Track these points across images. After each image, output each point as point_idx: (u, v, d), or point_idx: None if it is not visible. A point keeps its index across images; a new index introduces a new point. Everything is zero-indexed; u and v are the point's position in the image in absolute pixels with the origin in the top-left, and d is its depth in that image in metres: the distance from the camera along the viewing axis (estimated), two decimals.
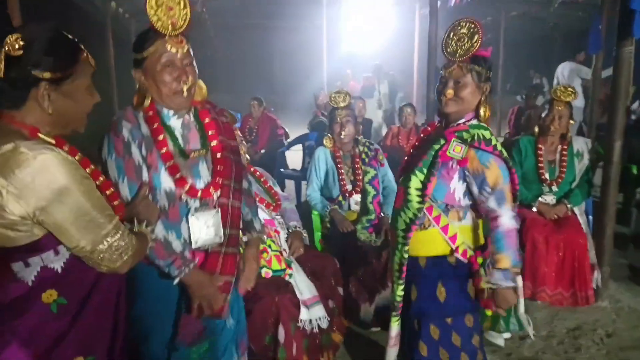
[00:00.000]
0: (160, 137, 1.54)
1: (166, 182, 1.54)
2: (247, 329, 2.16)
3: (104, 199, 1.27)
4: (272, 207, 2.60)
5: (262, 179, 2.72)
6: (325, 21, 9.88)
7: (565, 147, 3.21)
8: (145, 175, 1.52)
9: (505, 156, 1.77)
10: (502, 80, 10.94)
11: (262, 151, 5.91)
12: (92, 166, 1.32)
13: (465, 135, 1.75)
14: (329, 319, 2.39)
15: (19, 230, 1.14)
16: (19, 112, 1.17)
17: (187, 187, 1.55)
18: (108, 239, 1.21)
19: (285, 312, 2.25)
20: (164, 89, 1.52)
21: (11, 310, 1.18)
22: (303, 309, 2.33)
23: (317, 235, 3.08)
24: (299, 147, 5.82)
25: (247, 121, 6.26)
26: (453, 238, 1.81)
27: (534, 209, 3.17)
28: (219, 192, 1.62)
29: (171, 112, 1.59)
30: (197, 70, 1.60)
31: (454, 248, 1.81)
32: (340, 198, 3.06)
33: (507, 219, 1.76)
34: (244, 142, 5.57)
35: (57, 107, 1.19)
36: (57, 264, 1.21)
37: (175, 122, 1.60)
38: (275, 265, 2.37)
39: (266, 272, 2.33)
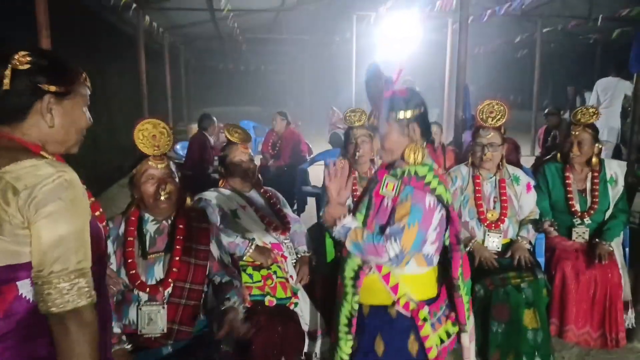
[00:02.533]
0: (130, 239, 1.91)
1: (123, 275, 1.88)
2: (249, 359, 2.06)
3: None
4: (280, 231, 2.48)
5: (272, 200, 2.61)
6: (355, 35, 9.80)
7: (596, 173, 2.95)
8: (113, 267, 1.89)
9: (439, 195, 1.65)
10: (537, 98, 10.57)
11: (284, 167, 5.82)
12: (92, 198, 1.35)
13: (398, 172, 1.68)
14: None
15: (24, 245, 1.11)
16: (18, 127, 1.18)
17: (137, 282, 1.86)
18: (69, 277, 1.11)
19: (288, 344, 2.13)
20: (146, 197, 1.94)
21: (17, 331, 1.14)
22: (308, 341, 2.20)
23: (330, 259, 2.93)
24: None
25: (271, 135, 6.21)
26: (394, 288, 1.68)
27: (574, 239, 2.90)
28: (169, 291, 1.88)
29: (151, 217, 1.98)
30: (177, 184, 1.99)
31: (394, 299, 1.66)
32: None
33: (385, 256, 1.62)
34: (266, 155, 5.53)
35: (57, 122, 1.21)
36: None
37: (151, 227, 1.97)
38: (280, 293, 2.25)
39: (270, 300, 2.22)
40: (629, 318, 2.86)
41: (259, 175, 2.64)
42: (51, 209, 1.08)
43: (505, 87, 16.57)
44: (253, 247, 2.27)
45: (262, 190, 2.62)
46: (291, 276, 2.33)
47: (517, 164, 4.44)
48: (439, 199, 1.65)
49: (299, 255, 2.50)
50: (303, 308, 2.26)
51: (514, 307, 2.55)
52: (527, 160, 6.57)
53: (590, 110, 2.92)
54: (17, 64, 1.15)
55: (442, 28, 10.36)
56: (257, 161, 5.42)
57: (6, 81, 1.14)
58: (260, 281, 2.25)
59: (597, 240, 2.83)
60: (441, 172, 1.73)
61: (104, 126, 7.10)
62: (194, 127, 10.53)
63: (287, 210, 2.67)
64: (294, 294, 2.27)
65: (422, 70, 12.18)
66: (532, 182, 2.93)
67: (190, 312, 1.90)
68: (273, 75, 18.23)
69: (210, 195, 2.43)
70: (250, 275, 2.26)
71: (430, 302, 1.74)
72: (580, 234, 2.93)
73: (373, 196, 1.69)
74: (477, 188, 2.85)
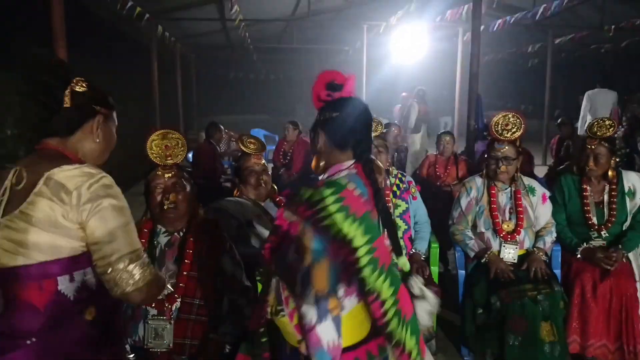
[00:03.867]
0: None
1: None
2: None
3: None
4: None
5: None
6: (365, 45, 9.85)
7: (614, 186, 2.91)
8: None
9: (328, 225, 1.29)
10: (548, 107, 10.53)
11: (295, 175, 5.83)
12: None
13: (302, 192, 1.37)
14: None
15: (70, 238, 1.23)
16: (64, 140, 1.34)
17: None
18: (132, 260, 1.27)
19: None
20: (153, 207, 1.94)
21: (54, 326, 1.25)
22: None
23: None
24: None
25: (282, 144, 6.23)
26: (297, 327, 1.40)
27: (579, 255, 2.83)
28: (177, 305, 1.88)
29: (162, 229, 1.97)
30: (188, 194, 1.97)
31: (298, 340, 1.41)
32: None
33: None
34: (277, 164, 5.53)
35: (101, 139, 1.40)
36: (95, 280, 1.30)
37: (162, 239, 1.96)
38: None
39: None
40: None
41: (274, 185, 2.64)
42: (101, 206, 1.23)
43: (516, 96, 16.49)
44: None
45: (277, 200, 2.63)
46: None
47: (531, 175, 4.42)
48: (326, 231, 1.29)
49: None
50: None
51: (530, 320, 2.52)
52: (540, 170, 6.54)
53: (607, 122, 2.88)
54: (76, 86, 1.32)
55: (452, 37, 10.38)
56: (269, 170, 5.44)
57: (67, 99, 1.30)
58: None
59: (614, 247, 2.80)
60: (357, 193, 1.36)
61: (117, 135, 7.15)
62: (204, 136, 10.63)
63: None
64: None
65: (433, 79, 12.20)
66: (548, 193, 2.91)
67: (202, 328, 1.88)
68: (284, 84, 18.29)
69: (226, 204, 2.44)
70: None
71: (358, 344, 1.43)
72: (597, 246, 2.89)
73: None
74: (492, 199, 2.83)
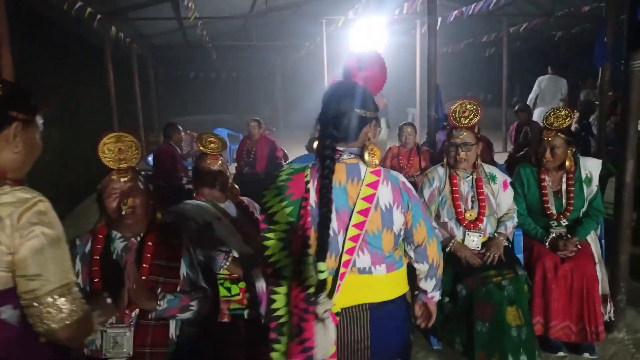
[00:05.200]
0: (96, 257, 1.83)
1: None
2: None
3: None
4: (257, 240, 2.42)
5: (248, 210, 2.55)
6: (325, 39, 9.81)
7: (571, 174, 2.94)
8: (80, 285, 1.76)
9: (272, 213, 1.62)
10: (507, 95, 10.74)
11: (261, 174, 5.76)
12: None
13: None
14: None
15: (6, 267, 1.16)
16: None
17: None
18: (62, 294, 1.20)
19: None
20: (110, 212, 1.86)
21: (7, 354, 1.20)
22: None
23: None
24: None
25: (245, 143, 6.14)
26: None
27: (547, 245, 2.87)
28: (137, 312, 1.80)
29: (118, 234, 1.90)
30: (145, 198, 1.90)
31: None
32: None
33: None
34: (241, 162, 5.44)
35: (21, 148, 1.27)
36: None
37: (118, 244, 1.88)
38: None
39: (251, 315, 2.15)
40: (608, 311, 2.88)
41: (235, 185, 2.58)
42: (32, 234, 1.15)
43: (475, 85, 16.81)
44: (230, 259, 2.20)
45: (237, 201, 2.56)
46: None
47: (491, 162, 4.50)
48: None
49: None
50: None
51: (496, 305, 2.54)
52: (500, 157, 6.67)
53: (563, 113, 2.89)
54: None
55: (410, 30, 10.46)
56: (233, 169, 5.32)
57: None
58: (239, 294, 2.19)
59: (568, 236, 2.85)
60: (305, 179, 1.59)
61: (72, 139, 6.90)
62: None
63: None
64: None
65: (394, 72, 12.25)
66: (509, 180, 2.95)
67: (162, 333, 1.83)
68: (245, 82, 18.09)
69: (184, 207, 2.36)
70: (228, 289, 2.20)
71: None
72: (557, 234, 2.94)
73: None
74: (454, 188, 2.84)
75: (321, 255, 1.50)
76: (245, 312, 2.15)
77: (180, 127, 5.44)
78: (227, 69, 16.84)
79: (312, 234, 1.56)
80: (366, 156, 1.60)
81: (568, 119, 2.88)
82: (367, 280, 1.62)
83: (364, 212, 1.57)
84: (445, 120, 5.14)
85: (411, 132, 4.84)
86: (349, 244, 1.57)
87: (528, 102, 8.33)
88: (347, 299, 1.59)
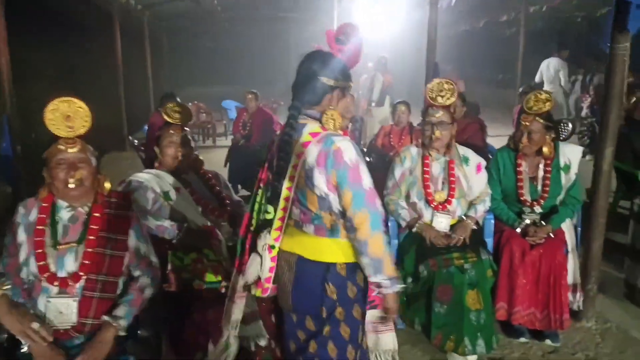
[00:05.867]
0: (40, 227, 1.80)
1: (33, 265, 1.78)
2: (178, 346, 2.04)
3: None
4: (217, 213, 2.43)
5: (211, 182, 2.55)
6: (336, 13, 9.62)
7: (549, 161, 2.85)
8: (23, 255, 1.78)
9: None
10: (522, 76, 10.46)
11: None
12: None
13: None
14: (268, 337, 2.21)
15: None
16: None
17: (46, 275, 1.76)
18: None
19: (216, 329, 2.09)
20: (57, 183, 1.80)
21: None
22: (241, 325, 2.16)
23: None
24: None
25: (242, 115, 6.12)
26: None
27: (518, 230, 2.82)
28: (81, 283, 1.79)
29: (65, 204, 1.85)
30: (93, 169, 1.85)
31: None
32: None
33: None
34: (237, 135, 5.40)
35: None
36: None
37: (64, 214, 1.85)
38: (210, 277, 2.20)
39: (198, 285, 2.17)
40: (577, 300, 2.84)
41: (199, 157, 2.58)
42: None
43: (492, 66, 16.40)
44: (183, 229, 2.22)
45: (202, 172, 2.56)
46: (225, 259, 2.28)
47: (483, 144, 4.41)
48: None
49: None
50: None
51: (457, 288, 2.52)
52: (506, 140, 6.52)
53: (543, 96, 2.79)
54: None
55: (424, 6, 10.19)
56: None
57: None
58: (190, 265, 2.20)
59: (542, 223, 2.80)
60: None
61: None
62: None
63: (228, 192, 2.62)
64: (228, 277, 2.23)
65: (408, 49, 12.03)
66: (483, 163, 2.89)
67: (106, 306, 1.81)
68: (259, 55, 17.97)
69: (143, 176, 2.37)
70: (181, 259, 2.21)
71: None
72: (530, 221, 2.88)
73: None
74: (425, 169, 2.80)
75: (270, 199, 1.76)
76: (195, 283, 2.16)
77: (178, 98, 5.39)
78: (240, 40, 16.73)
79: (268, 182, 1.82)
80: (324, 119, 1.71)
81: (548, 103, 2.78)
82: (298, 233, 1.78)
83: (295, 167, 1.70)
84: None
85: (404, 111, 4.76)
86: (285, 193, 1.74)
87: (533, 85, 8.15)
88: (285, 243, 1.78)
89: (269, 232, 1.75)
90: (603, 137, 2.70)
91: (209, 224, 2.34)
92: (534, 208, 2.87)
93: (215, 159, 6.39)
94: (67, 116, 1.82)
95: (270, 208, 1.76)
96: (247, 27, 15.27)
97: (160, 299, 2.10)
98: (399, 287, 1.76)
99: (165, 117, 2.47)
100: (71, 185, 1.79)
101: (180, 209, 2.32)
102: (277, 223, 1.75)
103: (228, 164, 5.84)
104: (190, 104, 10.70)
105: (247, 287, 1.85)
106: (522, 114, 2.86)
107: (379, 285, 1.73)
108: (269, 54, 17.62)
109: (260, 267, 1.76)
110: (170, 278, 2.15)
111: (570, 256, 2.82)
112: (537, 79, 8.50)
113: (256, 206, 1.86)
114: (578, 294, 2.84)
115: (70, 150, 1.80)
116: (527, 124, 2.81)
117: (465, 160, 2.83)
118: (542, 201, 2.86)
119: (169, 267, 2.19)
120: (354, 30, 1.77)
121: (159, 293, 2.12)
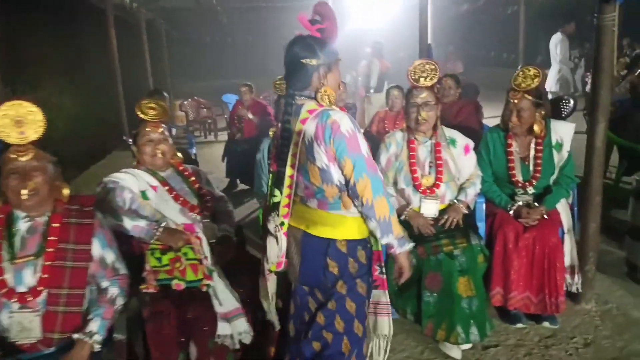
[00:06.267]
0: None
1: None
2: (158, 346, 2.00)
3: None
4: (197, 210, 2.38)
5: (191, 179, 2.49)
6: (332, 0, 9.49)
7: (540, 140, 2.76)
8: None
9: None
10: (524, 55, 10.25)
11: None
12: None
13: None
14: (253, 334, 2.18)
15: None
16: None
17: (4, 290, 1.70)
18: None
19: (197, 327, 2.06)
20: (9, 194, 1.73)
21: None
22: (222, 323, 2.12)
23: None
24: None
25: (237, 109, 6.05)
26: None
27: (511, 212, 2.74)
28: (43, 297, 1.72)
29: (22, 214, 1.79)
30: (50, 176, 1.78)
31: None
32: None
33: None
34: (233, 129, 5.34)
35: None
36: None
37: (22, 225, 1.78)
38: (190, 275, 2.16)
39: (177, 284, 2.13)
40: (575, 282, 2.76)
41: (178, 154, 2.52)
42: None
43: (497, 45, 16.13)
44: (161, 229, 2.16)
45: (181, 169, 2.50)
46: (206, 257, 2.23)
47: (479, 126, 4.31)
48: None
49: (219, 235, 2.40)
50: (217, 289, 2.16)
51: (446, 276, 2.46)
52: None
53: (532, 72, 2.70)
54: None
55: None
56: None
57: None
58: (168, 265, 2.15)
59: (535, 204, 2.71)
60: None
61: (71, 106, 6.93)
62: (177, 104, 10.36)
63: (210, 189, 2.56)
64: (208, 275, 2.18)
65: (406, 33, 11.82)
66: (471, 144, 2.80)
67: (74, 319, 1.76)
68: (262, 47, 17.82)
69: (119, 176, 2.31)
70: (159, 259, 2.16)
71: None
72: (523, 202, 2.80)
73: None
74: (411, 153, 2.72)
75: (276, 183, 1.84)
76: (173, 282, 2.12)
77: (165, 94, 5.33)
78: (241, 32, 16.61)
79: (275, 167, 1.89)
80: (319, 97, 1.77)
81: (537, 79, 2.69)
82: (304, 209, 1.87)
83: (296, 144, 1.77)
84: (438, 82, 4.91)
85: (398, 96, 4.65)
86: (289, 171, 1.81)
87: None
88: (293, 219, 1.88)
89: (277, 213, 1.85)
90: (594, 113, 2.60)
91: (188, 221, 2.28)
92: (527, 189, 2.79)
93: (217, 154, 6.36)
94: (17, 121, 1.71)
95: (276, 191, 1.85)
96: (248, 17, 15.14)
97: (136, 301, 2.07)
98: (408, 246, 1.84)
99: (140, 115, 2.41)
100: (24, 197, 1.70)
101: (158, 207, 2.27)
102: (284, 201, 1.84)
103: (225, 159, 5.80)
104: (190, 99, 10.69)
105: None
106: (510, 92, 2.77)
107: (391, 246, 1.81)
108: (274, 46, 17.47)
109: (277, 247, 1.86)
110: (148, 279, 2.11)
111: (566, 237, 2.74)
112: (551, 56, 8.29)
113: (268, 190, 1.94)
114: (576, 276, 2.76)
115: (22, 159, 1.71)
116: (516, 101, 2.72)
117: (452, 142, 2.75)
118: (534, 181, 2.77)
119: (147, 267, 2.15)
120: (325, 7, 1.80)
121: (136, 294, 2.09)
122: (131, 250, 2.22)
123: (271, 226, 1.85)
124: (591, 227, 2.72)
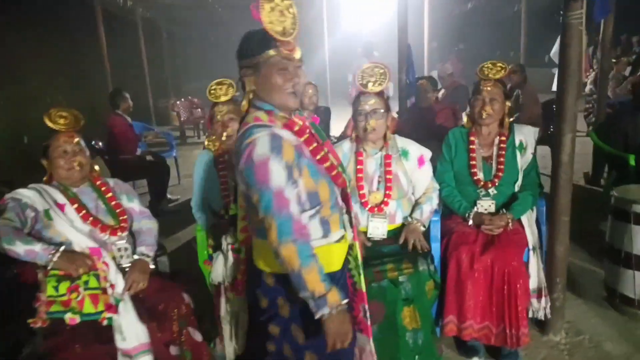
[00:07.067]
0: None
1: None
2: None
3: None
4: (109, 230, 2.15)
5: (108, 195, 2.26)
6: None
7: (504, 138, 2.58)
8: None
9: None
10: (525, 54, 9.85)
11: None
12: None
13: None
14: None
15: None
16: None
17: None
18: None
19: None
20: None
21: None
22: None
23: (202, 255, 2.61)
24: None
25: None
26: None
27: (470, 222, 2.52)
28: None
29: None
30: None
31: None
32: (223, 211, 2.56)
33: None
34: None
35: None
36: None
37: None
38: (88, 307, 1.93)
39: (71, 318, 1.89)
40: (543, 307, 2.48)
41: (95, 166, 2.29)
42: None
43: (503, 44, 15.70)
44: (58, 254, 1.94)
45: (98, 183, 2.28)
46: (112, 285, 2.00)
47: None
48: None
49: (135, 258, 2.17)
50: (123, 322, 1.93)
51: (390, 305, 2.20)
52: None
53: (498, 65, 2.56)
54: None
55: None
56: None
57: None
58: (65, 294, 1.93)
59: (503, 211, 2.48)
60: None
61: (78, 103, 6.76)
62: (178, 104, 10.16)
63: (131, 204, 2.33)
64: (113, 306, 1.95)
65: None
66: (427, 155, 2.53)
67: None
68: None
69: (23, 193, 2.09)
70: (56, 288, 1.94)
71: None
72: (486, 207, 2.56)
73: None
74: (358, 167, 2.46)
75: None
76: (66, 316, 1.89)
77: (126, 95, 5.08)
78: (234, 30, 16.33)
79: None
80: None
81: (502, 71, 2.54)
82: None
83: None
84: (417, 83, 4.64)
85: None
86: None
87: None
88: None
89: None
90: (559, 123, 2.31)
91: (94, 245, 2.05)
92: (489, 190, 2.57)
93: None
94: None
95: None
96: (241, 15, 14.87)
97: (25, 337, 1.85)
98: (332, 309, 1.41)
99: (49, 124, 2.18)
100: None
101: (61, 229, 2.04)
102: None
103: None
104: (182, 99, 10.50)
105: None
106: (481, 82, 2.58)
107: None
108: None
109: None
110: (39, 311, 1.88)
111: (532, 256, 2.47)
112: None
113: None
114: (543, 300, 2.49)
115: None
116: (489, 88, 2.54)
117: (405, 153, 2.49)
118: (496, 180, 2.56)
119: (42, 297, 1.92)
120: None
121: (24, 329, 1.87)
122: (25, 276, 2.00)
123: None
124: (558, 251, 2.44)
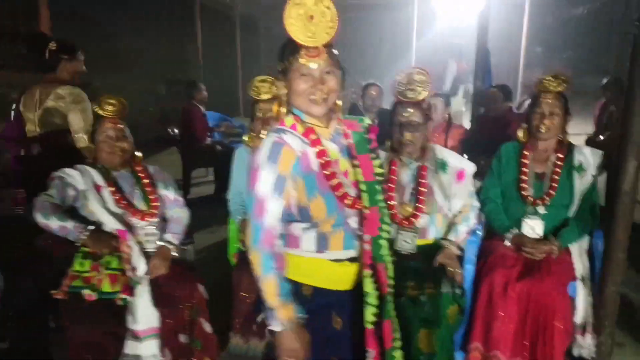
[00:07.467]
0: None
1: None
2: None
3: None
4: (140, 215, 2.24)
5: (145, 181, 2.36)
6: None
7: (562, 155, 2.36)
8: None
9: None
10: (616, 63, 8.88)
11: None
12: None
13: None
14: (163, 358, 2.00)
15: None
16: None
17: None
18: None
19: (95, 344, 1.93)
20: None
21: None
22: (132, 342, 1.97)
23: (232, 248, 2.65)
24: None
25: None
26: None
27: (507, 242, 2.34)
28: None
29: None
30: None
31: None
32: None
33: None
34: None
35: None
36: None
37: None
38: (106, 286, 2.02)
39: (88, 295, 2.00)
40: (587, 345, 2.22)
41: (137, 153, 2.41)
42: None
43: (624, 54, 14.31)
44: (87, 232, 2.05)
45: (137, 169, 2.39)
46: (134, 269, 2.08)
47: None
48: None
49: (158, 245, 2.25)
50: (137, 305, 2.01)
51: (406, 324, 2.08)
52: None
53: (560, 77, 2.35)
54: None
55: None
56: None
57: None
58: (88, 271, 2.05)
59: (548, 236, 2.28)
60: None
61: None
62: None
63: (166, 192, 2.41)
64: (129, 288, 2.03)
65: (497, 34, 10.88)
66: (469, 170, 2.36)
67: None
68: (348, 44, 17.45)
69: (69, 172, 2.24)
70: (82, 264, 2.06)
71: None
72: (532, 226, 2.35)
73: None
74: (391, 177, 2.35)
75: None
76: (84, 292, 1.99)
77: (202, 85, 5.29)
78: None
79: None
80: None
81: (564, 84, 2.34)
82: None
83: None
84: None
85: (438, 105, 4.17)
86: None
87: None
88: None
89: None
90: (623, 147, 2.04)
91: (122, 227, 2.15)
92: (537, 208, 2.36)
93: None
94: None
95: None
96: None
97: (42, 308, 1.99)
98: (277, 323, 1.43)
99: (98, 111, 2.32)
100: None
101: (94, 208, 2.17)
102: None
103: None
104: None
105: None
106: (540, 94, 2.38)
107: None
108: (358, 44, 17.10)
109: None
110: (63, 283, 2.01)
111: (579, 287, 2.22)
112: None
113: None
114: (589, 337, 2.23)
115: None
116: (550, 101, 2.34)
117: (443, 165, 2.34)
118: (547, 199, 2.35)
119: (70, 271, 2.05)
120: None
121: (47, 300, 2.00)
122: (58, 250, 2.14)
123: None
124: (609, 291, 2.16)
